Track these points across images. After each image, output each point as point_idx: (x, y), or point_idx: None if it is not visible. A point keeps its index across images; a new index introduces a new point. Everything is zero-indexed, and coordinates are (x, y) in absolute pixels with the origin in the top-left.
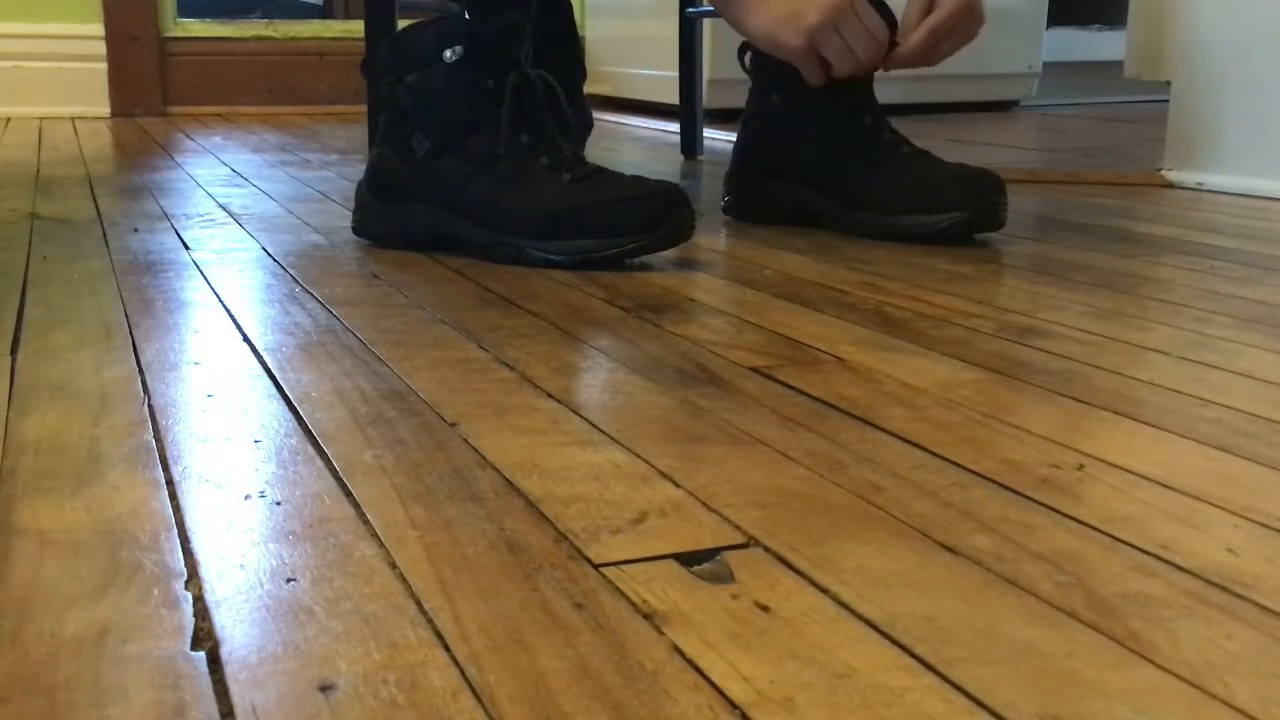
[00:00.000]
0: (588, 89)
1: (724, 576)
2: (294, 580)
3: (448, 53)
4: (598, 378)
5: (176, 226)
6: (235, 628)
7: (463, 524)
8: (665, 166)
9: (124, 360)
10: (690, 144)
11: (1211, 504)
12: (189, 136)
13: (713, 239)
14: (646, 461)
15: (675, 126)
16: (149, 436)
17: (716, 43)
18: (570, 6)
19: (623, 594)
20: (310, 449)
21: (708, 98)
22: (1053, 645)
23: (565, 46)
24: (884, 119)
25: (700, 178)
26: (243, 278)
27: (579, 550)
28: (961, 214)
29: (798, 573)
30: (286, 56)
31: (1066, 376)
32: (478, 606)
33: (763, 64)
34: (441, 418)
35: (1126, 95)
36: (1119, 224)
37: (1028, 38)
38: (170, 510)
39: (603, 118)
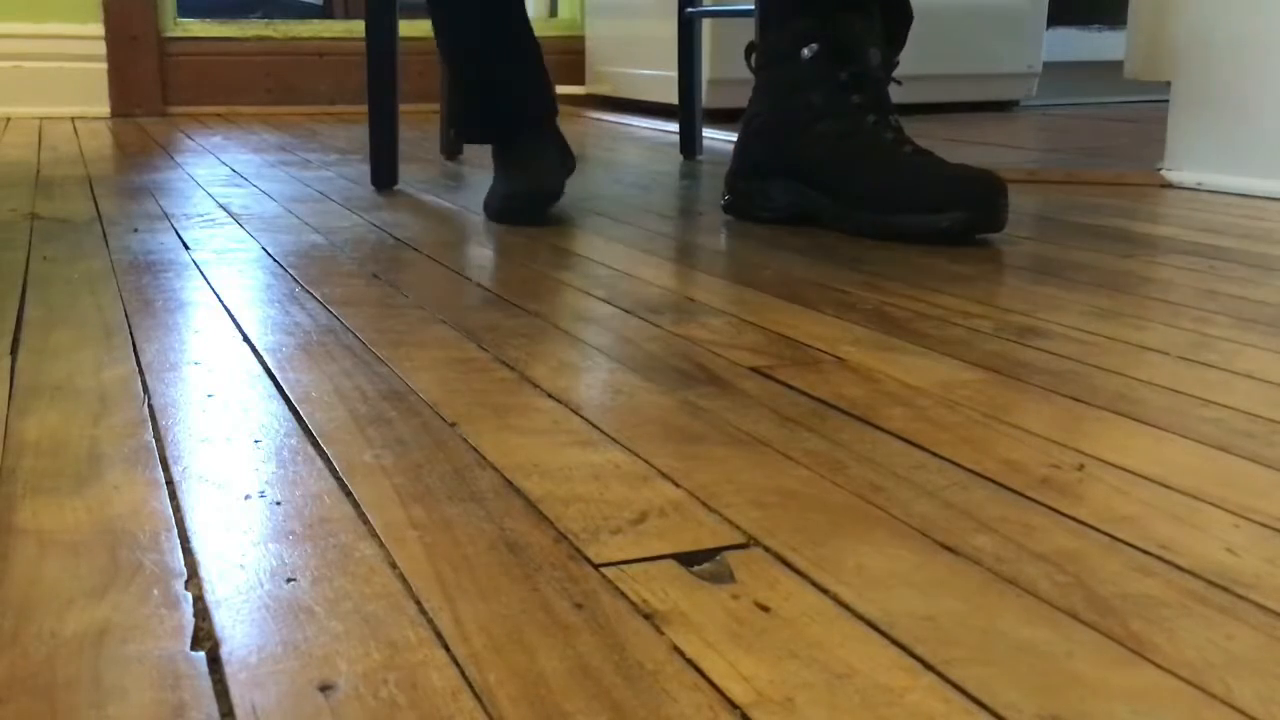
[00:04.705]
0: (589, 89)
1: (724, 576)
2: (294, 580)
3: (805, 50)
4: (598, 378)
5: (176, 226)
6: (235, 628)
7: (463, 524)
8: (665, 166)
9: (124, 360)
10: (690, 144)
11: (1211, 504)
12: (189, 136)
13: (713, 239)
14: (646, 461)
15: (675, 126)
16: (149, 436)
17: (716, 43)
18: None
19: (623, 594)
20: (310, 449)
21: (707, 98)
22: (1053, 645)
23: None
24: (889, 119)
25: (700, 178)
26: (243, 278)
27: (579, 550)
28: (962, 214)
29: (798, 573)
30: (286, 56)
31: (1066, 376)
32: (478, 606)
33: (767, 63)
34: (441, 418)
35: (1126, 95)
36: (1119, 224)
37: (1028, 38)
38: (170, 510)
39: (603, 118)
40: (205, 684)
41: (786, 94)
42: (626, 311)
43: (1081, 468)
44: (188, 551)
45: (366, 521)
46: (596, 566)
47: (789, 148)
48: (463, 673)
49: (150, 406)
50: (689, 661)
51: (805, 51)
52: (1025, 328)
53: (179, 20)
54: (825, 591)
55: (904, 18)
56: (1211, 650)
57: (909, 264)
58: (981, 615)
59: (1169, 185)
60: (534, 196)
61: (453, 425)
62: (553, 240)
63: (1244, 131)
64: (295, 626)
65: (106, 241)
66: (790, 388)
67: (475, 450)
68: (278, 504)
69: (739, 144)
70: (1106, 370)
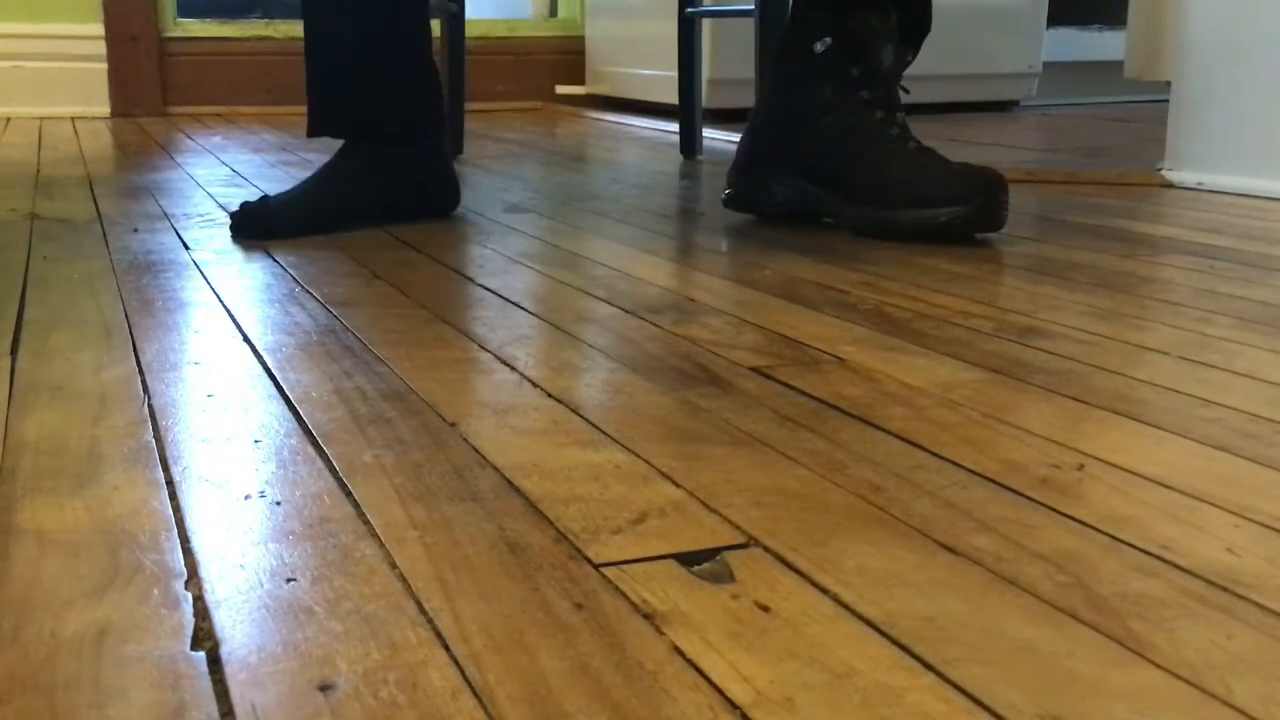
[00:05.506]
0: (589, 89)
1: (724, 576)
2: (294, 580)
3: (818, 44)
4: (598, 378)
5: (176, 226)
6: (235, 628)
7: (463, 524)
8: (665, 166)
9: (124, 360)
10: (690, 144)
11: (1211, 504)
12: (189, 136)
13: (713, 239)
14: (646, 461)
15: (675, 126)
16: (149, 436)
17: (716, 43)
18: None
19: (623, 594)
20: (310, 449)
21: (707, 98)
22: (1053, 645)
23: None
24: (895, 116)
25: (699, 177)
26: (243, 278)
27: (579, 550)
28: (962, 209)
29: (798, 573)
30: (286, 56)
31: (1066, 376)
32: (478, 606)
33: (778, 57)
34: (441, 418)
35: (1126, 95)
36: (1119, 224)
37: (1028, 38)
38: (170, 510)
39: (603, 118)
40: (205, 684)
41: (795, 87)
42: (626, 311)
43: (1081, 468)
44: (188, 551)
45: (366, 521)
46: (596, 566)
47: (793, 141)
48: (463, 673)
49: (150, 406)
50: (689, 661)
51: (819, 45)
52: (1025, 328)
53: (179, 20)
54: (825, 591)
55: (922, 26)
56: (1211, 650)
57: (909, 264)
58: (981, 615)
59: (1169, 185)
60: (246, 212)
61: (453, 425)
62: (553, 240)
63: (1244, 131)
64: (295, 626)
65: (106, 241)
66: (790, 388)
67: (475, 450)
68: (278, 504)
69: (743, 138)
70: (1106, 370)
